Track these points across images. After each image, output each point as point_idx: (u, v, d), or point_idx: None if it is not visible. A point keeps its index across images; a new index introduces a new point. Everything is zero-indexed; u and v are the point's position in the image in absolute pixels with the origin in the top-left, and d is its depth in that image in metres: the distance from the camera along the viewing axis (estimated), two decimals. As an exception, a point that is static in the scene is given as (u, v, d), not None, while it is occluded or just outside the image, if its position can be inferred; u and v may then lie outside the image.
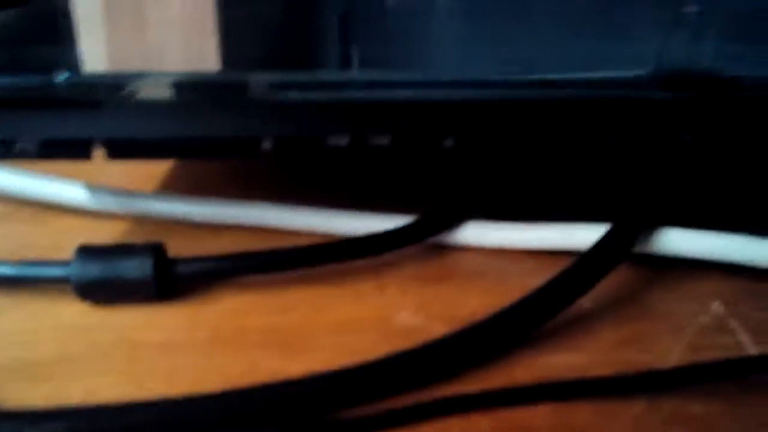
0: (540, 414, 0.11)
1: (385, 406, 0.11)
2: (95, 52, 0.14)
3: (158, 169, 0.19)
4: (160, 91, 0.13)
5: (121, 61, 0.14)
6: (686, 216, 0.15)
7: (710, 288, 0.15)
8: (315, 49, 0.16)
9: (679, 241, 0.15)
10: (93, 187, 0.17)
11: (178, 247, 0.14)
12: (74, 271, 0.13)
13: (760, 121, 0.14)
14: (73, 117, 0.13)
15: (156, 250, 0.14)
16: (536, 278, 0.13)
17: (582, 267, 0.14)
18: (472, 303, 0.14)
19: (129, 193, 0.17)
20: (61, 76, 0.12)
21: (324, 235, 0.16)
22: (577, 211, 0.15)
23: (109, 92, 0.12)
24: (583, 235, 0.15)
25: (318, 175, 0.19)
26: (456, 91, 0.14)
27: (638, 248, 0.15)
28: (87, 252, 0.14)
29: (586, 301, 0.14)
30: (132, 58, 0.14)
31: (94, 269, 0.13)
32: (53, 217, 0.17)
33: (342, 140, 0.14)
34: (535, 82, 0.14)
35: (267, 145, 0.13)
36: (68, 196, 0.17)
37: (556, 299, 0.13)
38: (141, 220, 0.17)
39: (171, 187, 0.18)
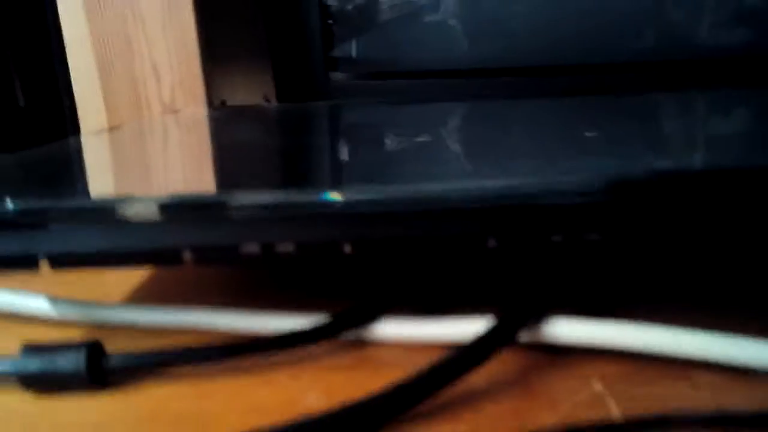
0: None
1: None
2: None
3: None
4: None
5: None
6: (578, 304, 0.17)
7: (592, 370, 0.16)
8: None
9: (561, 329, 0.16)
10: (51, 298, 0.19)
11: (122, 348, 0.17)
12: (19, 365, 0.15)
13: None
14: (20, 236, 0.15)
15: (90, 347, 0.16)
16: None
17: (465, 353, 0.15)
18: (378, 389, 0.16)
19: (76, 302, 0.19)
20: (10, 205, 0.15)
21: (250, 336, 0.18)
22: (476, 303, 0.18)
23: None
24: (478, 328, 0.16)
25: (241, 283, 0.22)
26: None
27: (527, 336, 0.17)
28: (31, 349, 0.16)
29: (478, 382, 0.16)
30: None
31: (35, 363, 0.15)
32: (14, 327, 0.19)
33: (253, 248, 0.16)
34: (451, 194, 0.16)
35: (187, 255, 0.16)
36: (27, 305, 0.19)
37: (438, 378, 0.15)
38: (97, 328, 0.19)
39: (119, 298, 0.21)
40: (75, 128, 0.41)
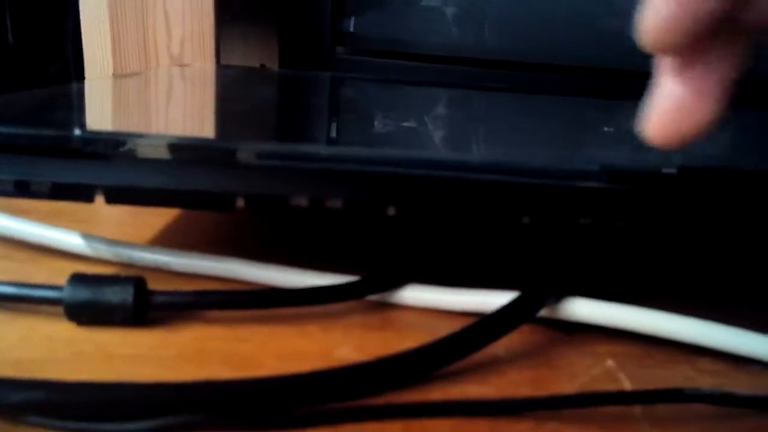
0: (444, 426, 0.14)
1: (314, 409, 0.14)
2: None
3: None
4: (157, 151, 0.16)
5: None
6: (594, 288, 0.18)
7: (604, 349, 0.17)
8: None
9: (579, 307, 0.18)
10: (87, 235, 0.19)
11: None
12: (66, 293, 0.16)
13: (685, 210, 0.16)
14: (82, 167, 0.16)
15: (137, 282, 0.16)
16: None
17: (487, 323, 0.16)
18: (405, 347, 0.17)
19: (118, 243, 0.19)
20: (77, 131, 0.15)
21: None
22: (497, 280, 0.18)
23: (114, 148, 0.15)
24: (500, 301, 0.17)
25: (287, 237, 0.22)
26: (403, 168, 0.17)
27: (546, 312, 0.18)
28: (78, 279, 0.16)
29: (500, 350, 0.17)
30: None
31: (83, 293, 0.16)
32: (48, 259, 0.20)
33: (302, 201, 0.16)
34: (483, 165, 0.16)
35: (240, 202, 0.16)
36: (64, 240, 0.19)
37: (462, 344, 0.16)
38: (128, 267, 0.19)
39: (159, 242, 0.21)
40: (78, 72, 0.41)
